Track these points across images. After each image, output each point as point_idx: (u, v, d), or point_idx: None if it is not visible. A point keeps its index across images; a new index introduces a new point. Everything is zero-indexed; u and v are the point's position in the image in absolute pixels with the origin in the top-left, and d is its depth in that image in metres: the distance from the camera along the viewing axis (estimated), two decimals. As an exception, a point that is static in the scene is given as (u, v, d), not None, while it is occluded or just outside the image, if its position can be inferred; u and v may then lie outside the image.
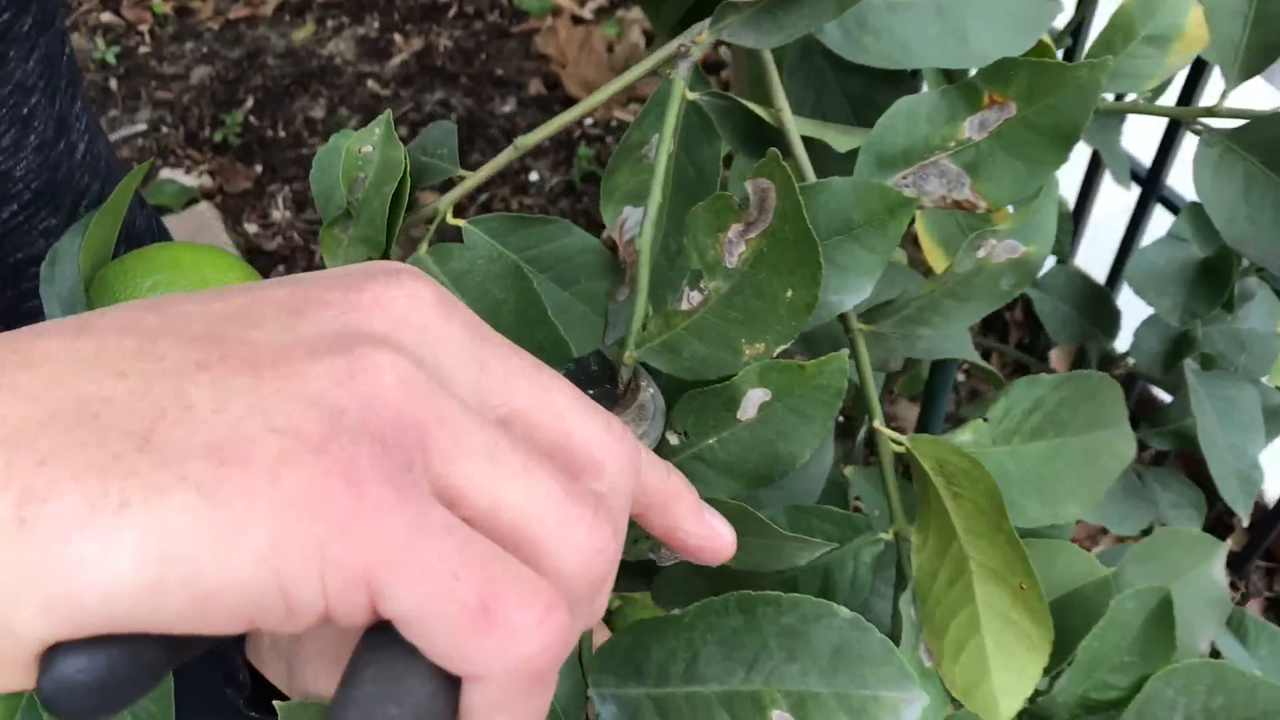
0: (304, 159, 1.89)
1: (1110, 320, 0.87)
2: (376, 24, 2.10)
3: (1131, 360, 0.84)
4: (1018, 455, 0.49)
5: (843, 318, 0.46)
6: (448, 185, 0.51)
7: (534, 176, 1.83)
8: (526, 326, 0.44)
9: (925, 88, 0.66)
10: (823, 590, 0.48)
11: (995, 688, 0.45)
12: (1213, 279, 0.73)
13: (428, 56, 2.02)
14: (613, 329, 0.47)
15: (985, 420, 0.48)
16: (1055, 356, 1.41)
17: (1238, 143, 0.49)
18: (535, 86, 1.95)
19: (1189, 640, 0.52)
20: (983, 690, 0.45)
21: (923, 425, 0.90)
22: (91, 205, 0.57)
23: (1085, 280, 0.86)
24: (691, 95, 0.45)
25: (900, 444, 0.47)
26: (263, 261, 1.76)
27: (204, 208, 1.79)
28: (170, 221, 1.76)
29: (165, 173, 1.86)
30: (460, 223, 0.48)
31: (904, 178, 0.44)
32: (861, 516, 0.47)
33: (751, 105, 0.45)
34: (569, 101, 1.92)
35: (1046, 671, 0.46)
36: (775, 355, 0.40)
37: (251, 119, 1.95)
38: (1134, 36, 0.57)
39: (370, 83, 1.98)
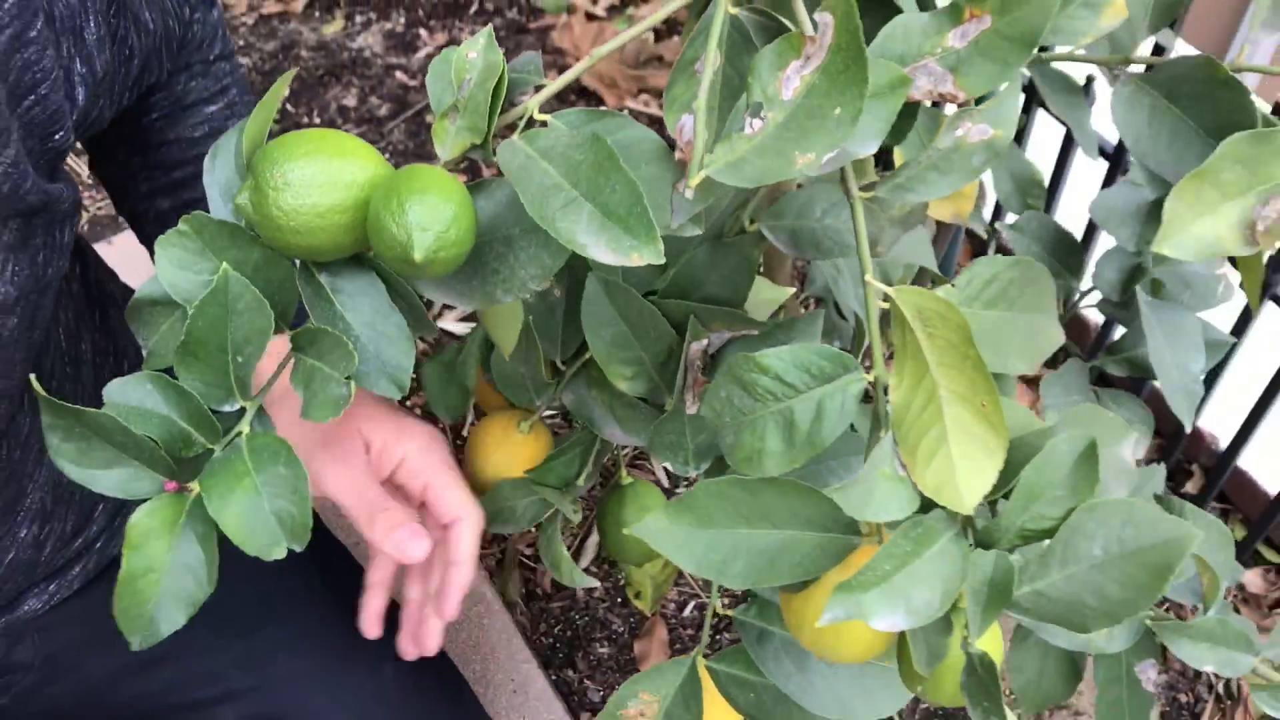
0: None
1: (1078, 263, 0.99)
2: (402, 20, 2.22)
3: (1093, 288, 0.96)
4: (978, 318, 0.60)
5: (844, 183, 0.58)
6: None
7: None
8: (603, 175, 0.53)
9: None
10: (816, 415, 0.58)
11: (960, 485, 0.54)
12: (1160, 215, 0.85)
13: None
14: (677, 214, 0.58)
15: (954, 286, 0.60)
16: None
17: (1146, 82, 0.64)
18: (551, 79, 2.08)
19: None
20: (950, 487, 0.54)
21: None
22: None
23: (1056, 227, 0.98)
24: (733, 10, 0.57)
25: (885, 296, 0.59)
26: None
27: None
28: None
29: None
30: (545, 117, 0.61)
31: (900, 77, 0.57)
32: (850, 357, 0.58)
33: (781, 17, 0.57)
34: (584, 92, 2.05)
35: (994, 493, 0.54)
36: (824, 161, 0.49)
37: (288, 106, 2.06)
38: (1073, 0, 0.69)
39: (398, 74, 2.11)
